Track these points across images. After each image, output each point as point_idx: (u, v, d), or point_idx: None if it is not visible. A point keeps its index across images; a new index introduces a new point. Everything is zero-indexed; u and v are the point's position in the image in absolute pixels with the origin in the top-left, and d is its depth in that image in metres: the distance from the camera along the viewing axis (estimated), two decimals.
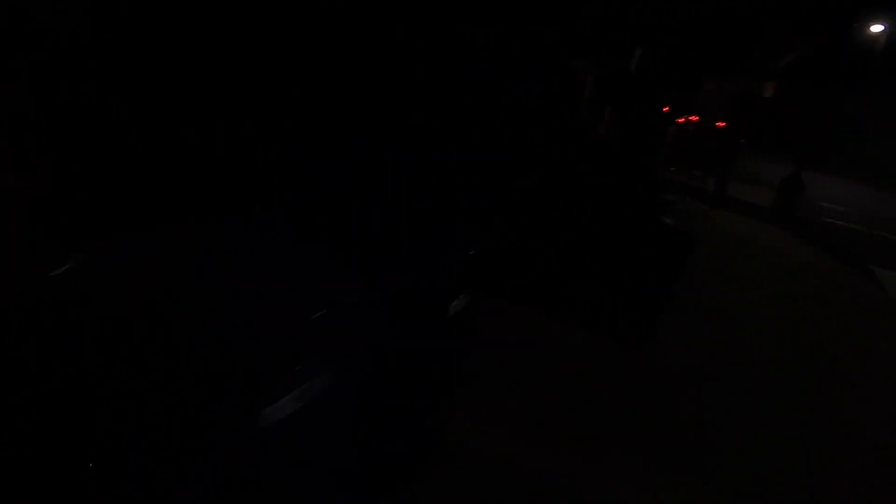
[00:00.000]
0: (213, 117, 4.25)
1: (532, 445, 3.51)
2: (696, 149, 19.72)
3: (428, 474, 3.14)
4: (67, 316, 2.15)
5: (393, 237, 3.03)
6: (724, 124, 39.64)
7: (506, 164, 7.00)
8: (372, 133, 5.07)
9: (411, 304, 2.78)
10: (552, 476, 3.37)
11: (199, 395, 1.96)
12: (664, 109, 22.76)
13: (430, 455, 3.25)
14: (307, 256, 2.65)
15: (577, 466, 3.45)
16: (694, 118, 35.67)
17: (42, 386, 1.96)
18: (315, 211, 3.06)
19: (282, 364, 2.12)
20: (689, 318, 5.94)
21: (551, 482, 3.34)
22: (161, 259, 2.50)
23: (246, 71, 4.50)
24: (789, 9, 15.81)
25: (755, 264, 8.54)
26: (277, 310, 2.28)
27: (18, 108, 3.83)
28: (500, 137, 7.20)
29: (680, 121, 35.35)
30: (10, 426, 1.89)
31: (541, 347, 4.74)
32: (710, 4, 13.91)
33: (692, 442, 3.99)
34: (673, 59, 20.01)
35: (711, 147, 18.12)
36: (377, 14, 5.75)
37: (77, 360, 2.01)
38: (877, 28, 20.70)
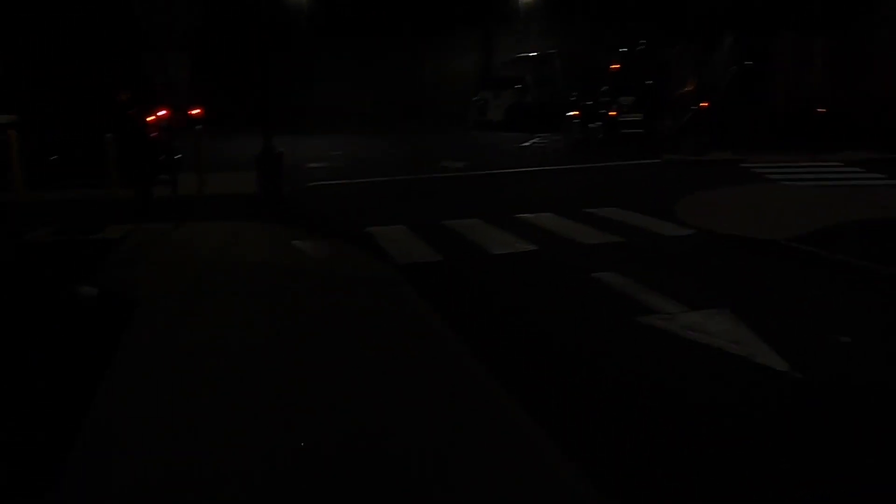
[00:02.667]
0: None
1: None
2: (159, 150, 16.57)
3: None
4: None
5: None
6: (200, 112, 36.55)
7: None
8: None
9: None
10: None
11: None
12: (122, 98, 18.39)
13: None
14: None
15: None
16: (163, 113, 31.91)
17: None
18: None
19: None
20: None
21: None
22: None
23: None
24: None
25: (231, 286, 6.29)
26: None
27: None
28: None
29: (152, 120, 31.01)
30: None
31: None
32: None
33: None
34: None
35: (164, 142, 15.40)
36: None
37: None
38: None
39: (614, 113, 23.75)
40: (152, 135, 18.55)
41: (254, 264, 6.91)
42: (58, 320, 5.09)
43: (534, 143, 23.80)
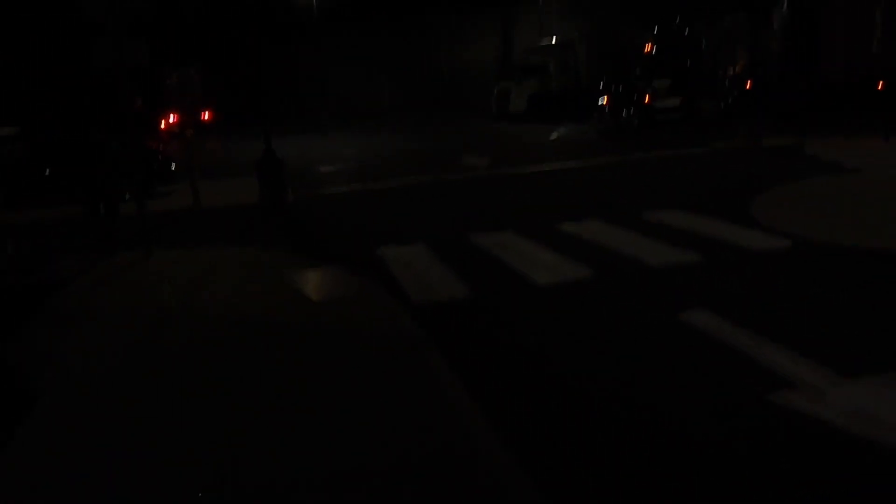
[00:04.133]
0: None
1: None
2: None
3: None
4: None
5: None
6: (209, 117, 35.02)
7: None
8: None
9: None
10: None
11: None
12: (137, 105, 17.13)
13: None
14: None
15: None
16: (175, 119, 30.30)
17: None
18: None
19: None
20: None
21: None
22: None
23: None
24: None
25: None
26: None
27: None
28: None
29: (165, 127, 29.55)
30: None
31: None
32: None
33: None
34: None
35: (162, 152, 13.80)
36: None
37: None
38: None
39: (649, 99, 21.75)
40: (165, 145, 16.98)
41: (221, 316, 5.22)
42: None
43: (560, 134, 21.90)
